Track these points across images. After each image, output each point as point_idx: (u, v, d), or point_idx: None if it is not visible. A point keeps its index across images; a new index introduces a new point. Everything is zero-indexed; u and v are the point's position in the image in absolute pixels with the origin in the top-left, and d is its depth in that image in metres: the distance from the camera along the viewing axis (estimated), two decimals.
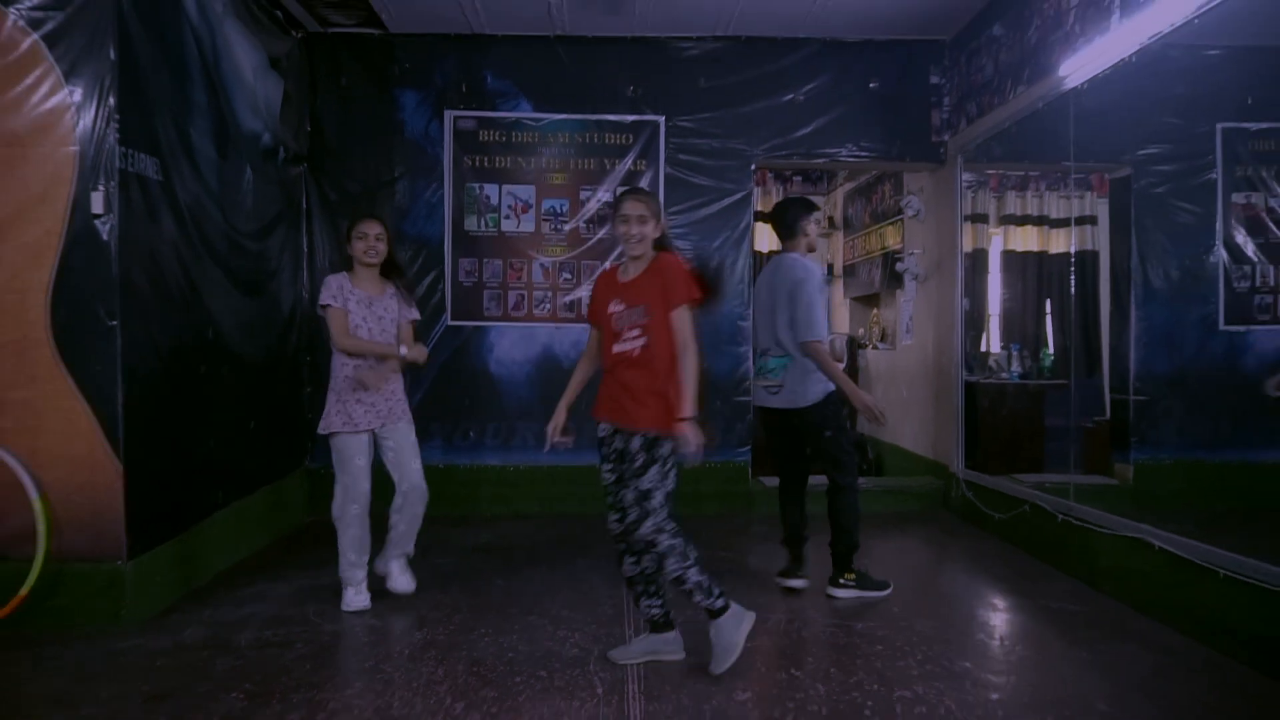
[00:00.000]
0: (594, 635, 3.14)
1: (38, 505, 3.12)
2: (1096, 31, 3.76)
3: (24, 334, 3.19)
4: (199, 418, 3.81)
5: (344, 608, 3.45)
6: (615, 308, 2.87)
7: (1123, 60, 3.61)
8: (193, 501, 3.75)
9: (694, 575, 2.76)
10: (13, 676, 2.79)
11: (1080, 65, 3.87)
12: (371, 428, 3.50)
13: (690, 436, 2.69)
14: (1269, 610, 2.79)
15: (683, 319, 2.78)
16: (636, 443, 2.77)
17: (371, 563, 3.60)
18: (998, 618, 3.46)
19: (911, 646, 3.06)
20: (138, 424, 3.30)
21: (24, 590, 3.09)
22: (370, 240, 3.52)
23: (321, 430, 3.50)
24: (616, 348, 2.86)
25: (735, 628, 2.79)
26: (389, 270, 3.66)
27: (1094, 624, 3.29)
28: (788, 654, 3.02)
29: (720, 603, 2.79)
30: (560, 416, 3.00)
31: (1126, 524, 3.56)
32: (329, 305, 3.46)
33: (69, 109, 3.19)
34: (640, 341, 2.80)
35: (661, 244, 2.92)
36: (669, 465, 2.78)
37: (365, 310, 3.52)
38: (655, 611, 2.92)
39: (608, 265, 2.95)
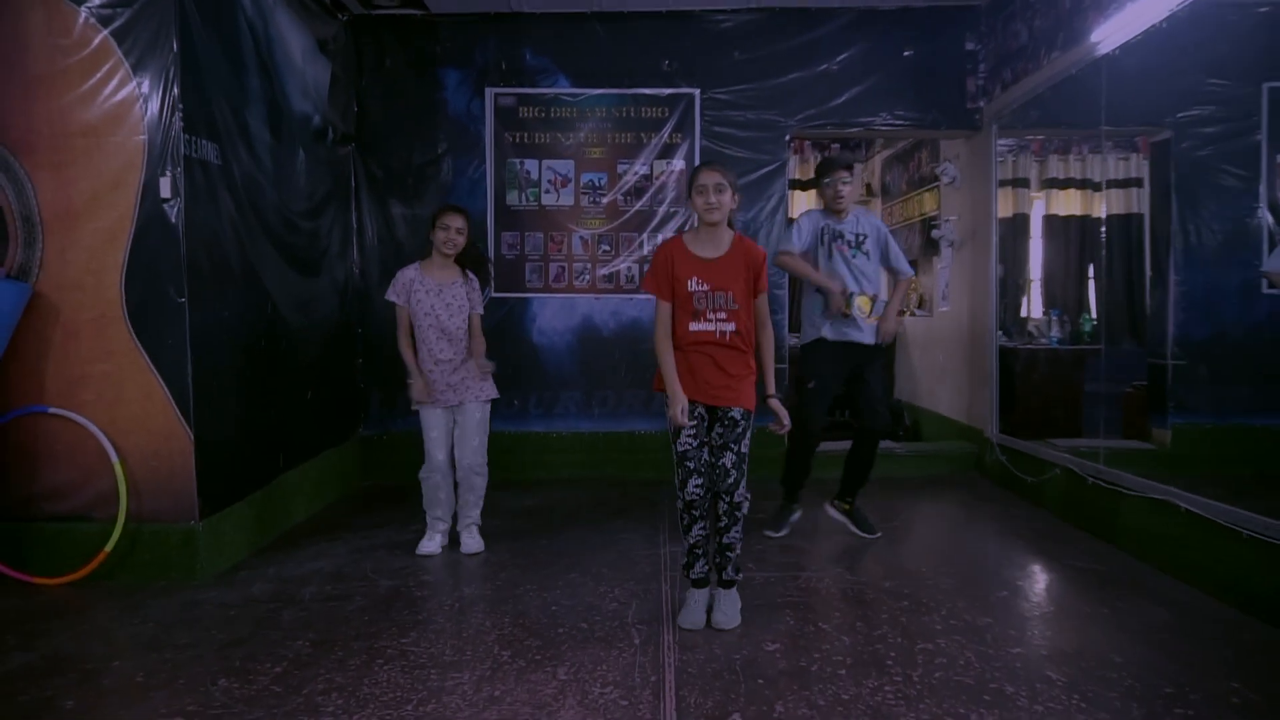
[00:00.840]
0: (632, 591, 3.33)
1: (118, 470, 3.39)
2: None
3: (102, 312, 3.44)
4: (260, 388, 4.05)
5: (416, 551, 3.85)
6: (697, 287, 2.92)
7: (1154, 25, 3.61)
8: (256, 467, 4.01)
9: (740, 543, 3.04)
10: (102, 624, 3.06)
11: (1113, 31, 3.88)
12: (447, 404, 3.80)
13: (779, 410, 2.96)
14: None
15: (765, 304, 2.99)
16: (738, 413, 2.94)
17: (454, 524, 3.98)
18: (1022, 577, 3.57)
19: (936, 603, 3.19)
20: (205, 395, 3.54)
21: (107, 548, 3.38)
22: (451, 233, 3.78)
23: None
24: (696, 327, 2.92)
25: (737, 606, 3.04)
26: (466, 260, 3.90)
27: (1116, 583, 3.39)
28: (816, 609, 3.17)
29: (741, 576, 3.07)
30: (682, 399, 2.90)
31: (1153, 486, 3.64)
32: (394, 302, 3.79)
33: (138, 100, 3.41)
34: (730, 327, 2.91)
35: (731, 222, 3.04)
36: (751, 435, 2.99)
37: (434, 299, 3.77)
38: (704, 572, 3.05)
39: (671, 236, 3.00)
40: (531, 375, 5.47)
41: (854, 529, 4.05)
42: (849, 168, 3.93)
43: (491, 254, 5.42)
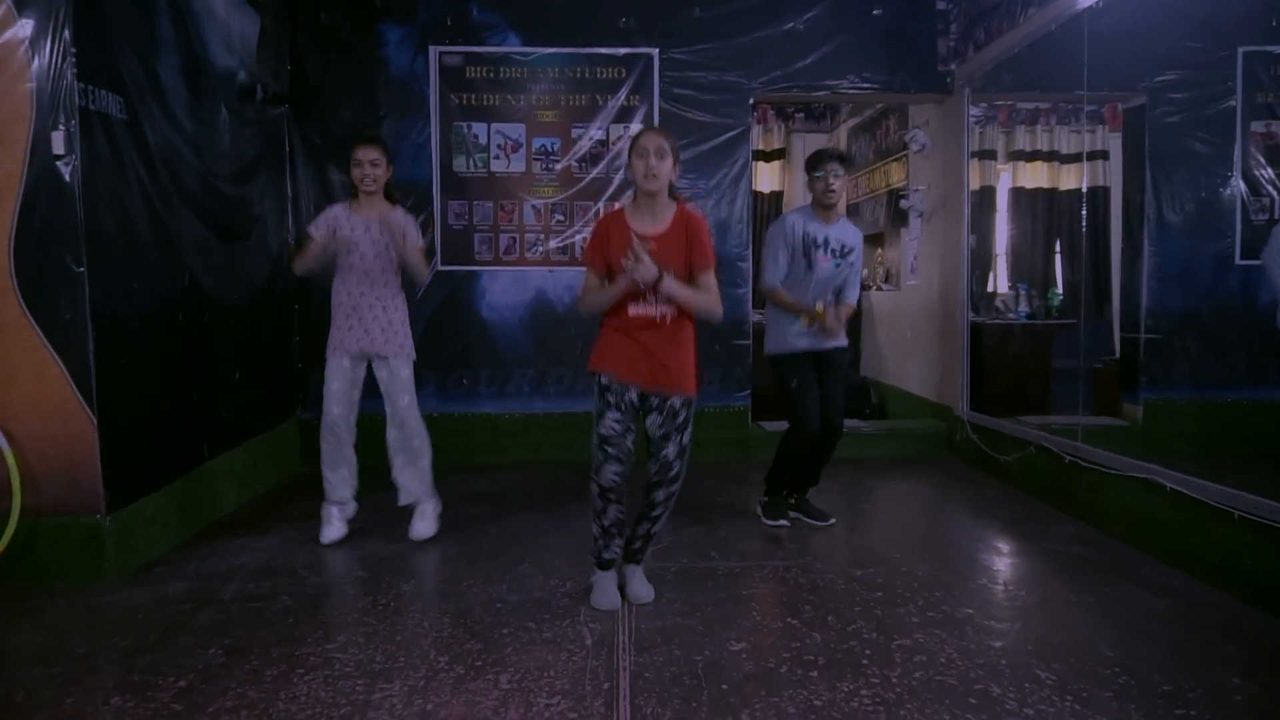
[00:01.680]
0: (584, 584, 3.05)
1: (10, 459, 3.04)
2: None
3: None
4: (178, 368, 3.69)
5: (321, 538, 3.58)
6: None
7: None
8: (176, 453, 3.66)
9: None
10: None
11: None
12: (359, 349, 3.51)
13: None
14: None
15: (712, 281, 2.74)
16: (679, 401, 2.74)
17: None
18: (1001, 562, 3.37)
19: (912, 593, 2.97)
20: (111, 374, 3.18)
21: (0, 546, 3.02)
22: (366, 167, 3.48)
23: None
24: (636, 310, 2.70)
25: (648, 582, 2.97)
26: (392, 196, 3.63)
27: (1100, 567, 3.20)
28: (785, 602, 2.93)
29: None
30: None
31: (1136, 465, 3.45)
32: (310, 234, 3.50)
33: (22, 43, 3.02)
34: (669, 310, 2.70)
35: (672, 192, 2.78)
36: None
37: (362, 236, 3.49)
38: (616, 554, 2.92)
39: (615, 206, 2.72)
40: (482, 353, 5.15)
41: (809, 521, 3.81)
42: (842, 160, 3.70)
43: (438, 224, 5.08)
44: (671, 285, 2.63)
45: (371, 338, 3.52)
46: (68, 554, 3.13)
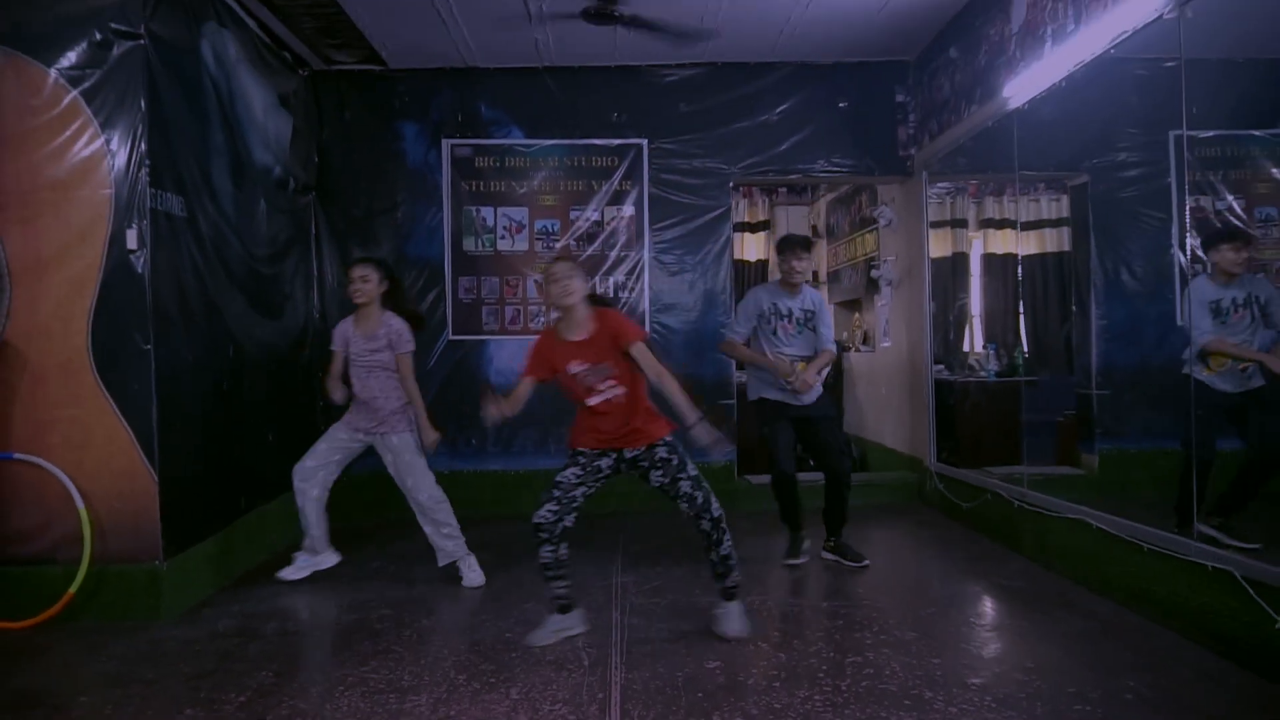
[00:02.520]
0: (583, 618, 3.49)
1: (83, 514, 3.50)
2: (1034, 57, 4.11)
3: (69, 358, 3.56)
4: (223, 430, 4.18)
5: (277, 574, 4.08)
6: (579, 368, 3.16)
7: (1054, 85, 3.96)
8: (219, 507, 4.12)
9: (735, 553, 3.25)
10: (68, 663, 3.15)
11: (1021, 88, 4.23)
12: (362, 429, 4.04)
13: (704, 434, 3.11)
14: (1183, 578, 3.13)
15: (642, 350, 3.17)
16: (663, 449, 3.21)
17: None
18: (952, 595, 3.80)
19: (869, 621, 3.40)
20: (169, 438, 3.67)
21: (72, 589, 3.46)
22: (356, 282, 4.01)
23: None
24: (594, 400, 3.17)
25: (741, 616, 3.27)
26: (392, 303, 4.11)
27: (1038, 598, 3.63)
28: (757, 629, 3.34)
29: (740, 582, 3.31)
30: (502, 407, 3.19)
31: (1069, 506, 3.90)
32: (333, 350, 4.11)
33: (105, 156, 3.57)
34: (619, 390, 3.17)
35: (596, 300, 3.31)
36: (687, 455, 3.25)
37: (359, 346, 4.04)
38: (564, 594, 3.26)
39: (543, 332, 3.33)
40: (474, 419, 5.60)
41: (845, 562, 4.21)
42: (806, 247, 4.25)
43: (449, 298, 5.61)
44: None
45: (369, 420, 4.02)
46: (130, 596, 3.58)
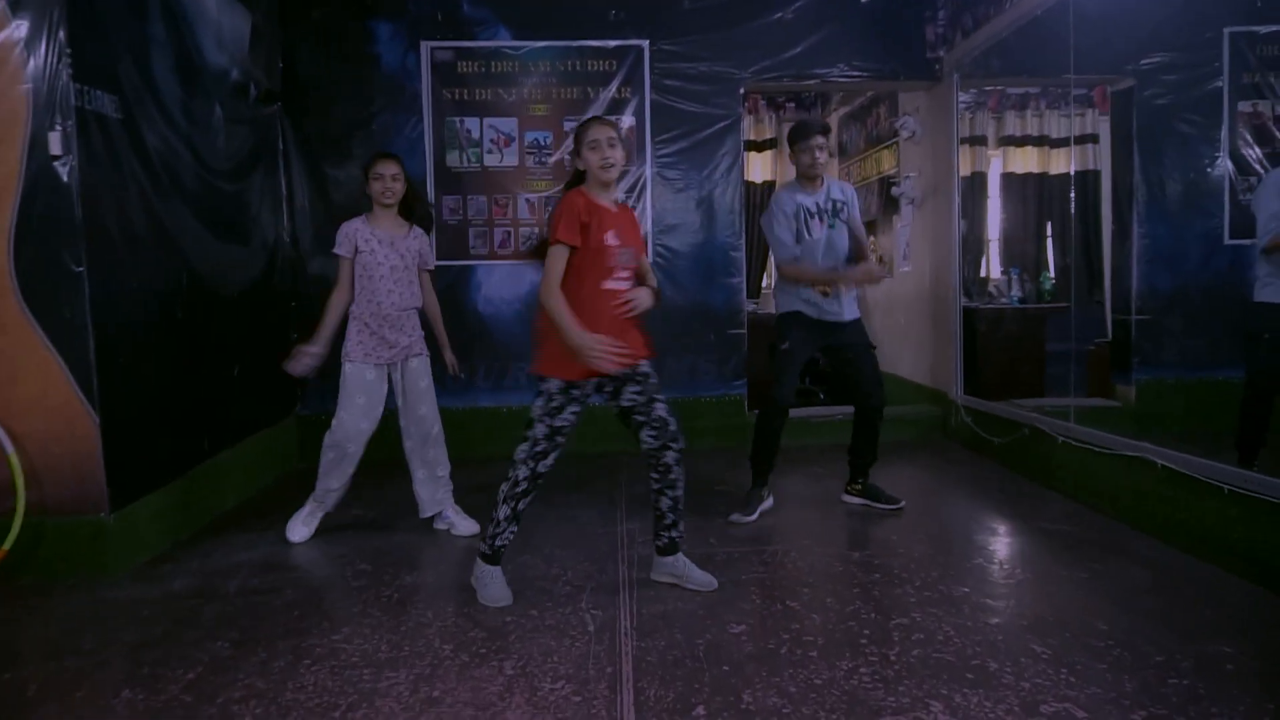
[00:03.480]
0: (586, 572, 3.10)
1: (13, 459, 3.06)
2: None
3: None
4: (178, 365, 3.72)
5: (288, 536, 3.58)
6: (614, 241, 2.73)
7: None
8: (177, 451, 3.69)
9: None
10: None
11: None
12: (388, 358, 3.54)
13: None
14: (1271, 524, 2.73)
15: (646, 263, 2.98)
16: (646, 365, 2.85)
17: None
18: (996, 542, 3.41)
19: (909, 574, 3.02)
20: (112, 372, 3.21)
21: (5, 545, 3.03)
22: (387, 180, 3.49)
23: (343, 357, 3.52)
24: (609, 284, 2.75)
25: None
26: (408, 210, 3.63)
27: (1093, 544, 3.24)
28: (784, 585, 2.97)
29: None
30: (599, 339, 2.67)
31: (1128, 443, 3.50)
32: (338, 255, 3.50)
33: (17, 44, 3.03)
34: (627, 285, 2.81)
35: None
36: None
37: (388, 249, 3.51)
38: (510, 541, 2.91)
39: (575, 192, 2.82)
40: (478, 347, 5.18)
41: (878, 506, 3.83)
42: (824, 132, 3.72)
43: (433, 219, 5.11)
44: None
45: (401, 345, 3.53)
46: (73, 551, 3.16)
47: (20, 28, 3.02)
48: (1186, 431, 4.41)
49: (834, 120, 7.82)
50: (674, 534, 2.94)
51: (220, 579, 3.15)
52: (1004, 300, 5.87)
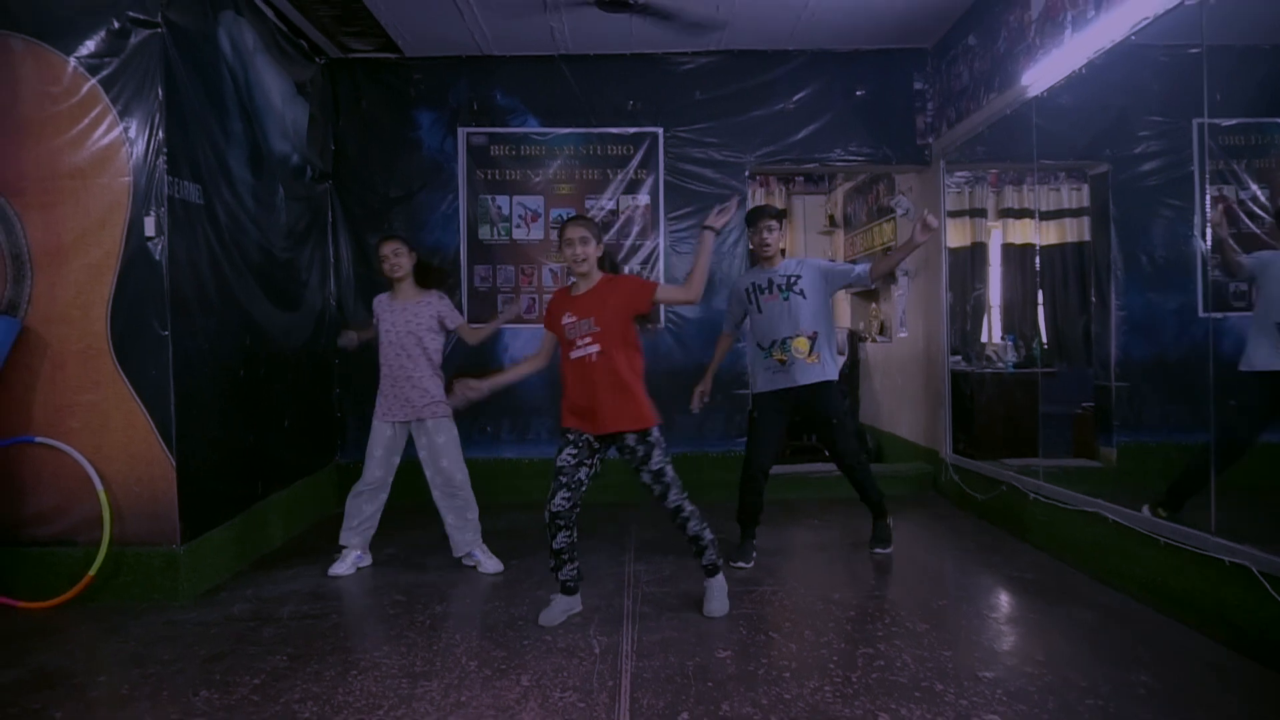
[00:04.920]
0: (595, 605, 3.51)
1: (102, 496, 3.55)
2: (1054, 44, 4.06)
3: (88, 344, 3.61)
4: (240, 417, 4.22)
5: (328, 571, 4.02)
6: (568, 319, 3.28)
7: (1074, 72, 3.91)
8: (236, 492, 4.17)
9: (709, 534, 3.39)
10: (87, 644, 3.20)
11: (1040, 75, 4.18)
12: (401, 416, 4.00)
13: (721, 216, 3.34)
14: (1196, 571, 3.11)
15: (664, 291, 3.30)
16: (632, 439, 3.26)
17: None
18: (966, 587, 3.78)
19: (881, 612, 3.40)
20: (187, 423, 3.71)
21: (91, 572, 3.52)
22: (390, 259, 4.02)
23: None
24: (573, 354, 3.27)
25: (725, 589, 3.43)
26: (425, 279, 4.16)
27: (1050, 590, 3.61)
28: (768, 619, 3.36)
29: (721, 561, 3.47)
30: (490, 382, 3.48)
31: (1084, 499, 3.88)
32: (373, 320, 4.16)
33: (124, 144, 3.60)
34: (594, 348, 3.24)
35: (607, 265, 3.40)
36: (665, 446, 3.31)
37: (391, 316, 4.04)
38: (572, 576, 3.38)
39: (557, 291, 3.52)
40: (504, 403, 5.63)
41: (873, 548, 4.29)
42: (776, 217, 4.15)
43: (465, 286, 5.63)
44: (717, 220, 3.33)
45: (410, 404, 4.01)
46: (148, 579, 3.63)
47: (129, 129, 3.59)
48: (1163, 492, 4.75)
49: (839, 194, 8.34)
50: (702, 560, 3.42)
51: (274, 605, 3.59)
52: (1000, 365, 6.25)
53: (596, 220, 5.58)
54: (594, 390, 3.22)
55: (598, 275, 3.34)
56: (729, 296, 4.30)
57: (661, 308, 5.64)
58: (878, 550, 4.25)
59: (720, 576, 3.44)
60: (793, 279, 4.09)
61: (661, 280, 5.66)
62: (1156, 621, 3.19)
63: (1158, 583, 3.33)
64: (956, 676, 2.75)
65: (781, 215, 4.22)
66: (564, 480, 3.25)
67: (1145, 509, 3.62)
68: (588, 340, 3.23)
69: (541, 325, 3.73)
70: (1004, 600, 3.56)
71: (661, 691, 2.68)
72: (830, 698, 2.62)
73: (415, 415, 4.02)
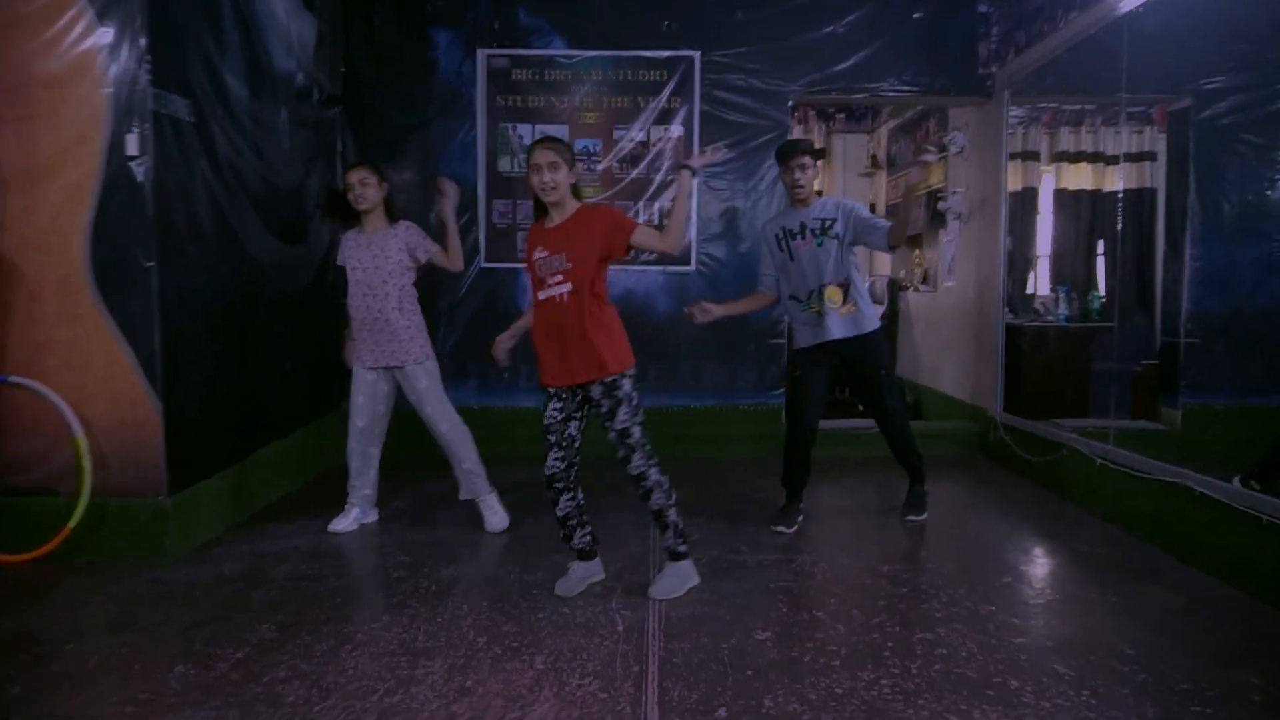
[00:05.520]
0: (617, 572, 3.18)
1: (80, 442, 3.24)
2: None
3: (66, 273, 3.28)
4: (236, 358, 3.89)
5: (329, 527, 3.74)
6: (539, 254, 2.91)
7: None
8: (232, 440, 3.85)
9: (673, 515, 2.98)
10: (63, 604, 2.92)
11: None
12: (374, 362, 3.68)
13: (703, 158, 3.06)
14: None
15: (641, 234, 2.89)
16: (597, 390, 2.87)
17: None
18: (1026, 561, 3.41)
19: (936, 589, 3.04)
20: (175, 363, 3.38)
21: (70, 524, 3.22)
22: (356, 188, 3.64)
23: None
24: (542, 294, 2.91)
25: (686, 577, 3.05)
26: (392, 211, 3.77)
27: (1124, 567, 3.24)
28: (811, 595, 3.02)
29: (685, 548, 3.05)
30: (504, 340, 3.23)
31: (1165, 468, 3.48)
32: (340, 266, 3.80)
33: (102, 50, 3.22)
34: (565, 288, 2.85)
35: (576, 192, 2.96)
36: (635, 402, 2.89)
37: (362, 253, 3.68)
38: (586, 542, 3.05)
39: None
40: (522, 348, 5.24)
41: (906, 515, 3.96)
42: (810, 152, 3.71)
43: (483, 222, 5.24)
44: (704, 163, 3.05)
45: (381, 349, 3.66)
46: (132, 533, 3.34)
47: (105, 35, 3.21)
48: (1231, 458, 4.36)
49: (883, 132, 7.80)
50: (662, 540, 3.06)
51: (269, 564, 3.29)
52: (1050, 318, 5.82)
53: (624, 151, 5.17)
54: (563, 335, 2.86)
55: (573, 204, 2.93)
56: (760, 246, 3.86)
57: (694, 250, 5.23)
58: (911, 517, 3.90)
59: (685, 564, 3.05)
60: (828, 222, 3.65)
61: (695, 229, 5.23)
62: (1257, 609, 2.82)
63: (1257, 565, 2.94)
64: (1032, 672, 2.40)
65: (818, 153, 3.75)
66: (553, 439, 2.90)
67: (1236, 480, 3.24)
68: (559, 278, 2.86)
69: None
70: (1074, 579, 3.18)
71: (694, 681, 2.35)
72: (889, 693, 2.28)
73: (391, 361, 3.67)
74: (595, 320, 2.85)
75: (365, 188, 3.63)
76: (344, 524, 3.74)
